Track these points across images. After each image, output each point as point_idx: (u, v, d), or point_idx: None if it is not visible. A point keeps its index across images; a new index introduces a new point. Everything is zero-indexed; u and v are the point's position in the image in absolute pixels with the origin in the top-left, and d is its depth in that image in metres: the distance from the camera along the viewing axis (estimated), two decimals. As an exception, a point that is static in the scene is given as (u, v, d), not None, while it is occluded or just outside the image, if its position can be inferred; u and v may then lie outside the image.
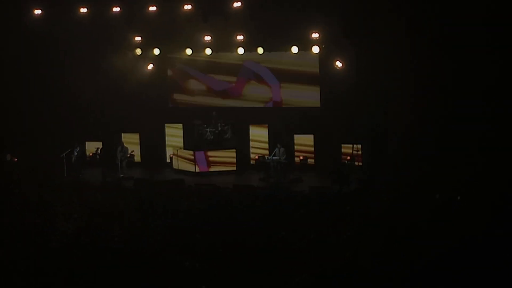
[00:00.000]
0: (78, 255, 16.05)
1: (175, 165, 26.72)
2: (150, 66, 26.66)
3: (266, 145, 26.50)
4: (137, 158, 27.57)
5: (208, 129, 26.47)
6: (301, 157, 26.10)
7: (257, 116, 26.78)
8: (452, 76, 22.14)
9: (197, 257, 16.20)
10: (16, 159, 25.62)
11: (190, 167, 26.22)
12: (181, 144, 27.31)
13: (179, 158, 26.66)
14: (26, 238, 16.98)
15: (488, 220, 16.64)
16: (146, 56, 26.30)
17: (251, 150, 26.90)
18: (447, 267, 14.17)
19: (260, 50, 25.21)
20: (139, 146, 27.74)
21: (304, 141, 26.20)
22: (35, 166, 24.62)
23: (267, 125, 26.63)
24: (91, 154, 27.46)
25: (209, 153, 26.25)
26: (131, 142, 27.33)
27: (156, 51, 26.11)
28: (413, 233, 16.16)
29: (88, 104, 26.25)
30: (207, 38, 25.07)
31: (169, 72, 27.74)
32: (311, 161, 26.10)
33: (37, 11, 24.31)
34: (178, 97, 27.86)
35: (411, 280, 13.99)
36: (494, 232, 15.69)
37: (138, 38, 25.67)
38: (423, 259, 14.63)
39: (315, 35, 23.89)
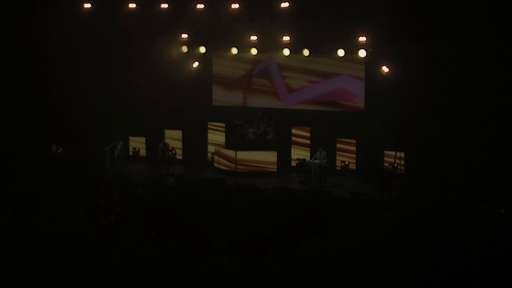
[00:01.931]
0: (117, 248, 16.19)
1: (216, 164, 26.76)
2: (196, 64, 26.72)
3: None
4: (179, 155, 27.68)
5: (250, 129, 26.41)
6: (346, 162, 25.89)
7: (300, 118, 26.66)
8: (501, 83, 21.79)
9: (234, 256, 16.23)
10: (60, 151, 25.90)
11: (230, 167, 26.21)
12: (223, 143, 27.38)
13: (219, 157, 26.69)
14: (68, 229, 17.18)
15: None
16: (192, 54, 26.37)
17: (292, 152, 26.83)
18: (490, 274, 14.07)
19: (306, 52, 25.11)
20: (181, 143, 27.83)
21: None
22: (80, 159, 24.90)
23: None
24: (134, 150, 27.72)
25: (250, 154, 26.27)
26: (174, 139, 27.49)
27: (202, 49, 26.16)
28: (452, 241, 16.01)
29: (133, 99, 26.41)
30: (254, 38, 25.06)
31: (215, 69, 27.61)
32: (352, 166, 25.91)
33: (87, 5, 24.48)
34: (219, 97, 27.66)
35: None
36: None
37: (184, 36, 25.78)
38: (464, 268, 14.50)
39: (362, 39, 23.73)
